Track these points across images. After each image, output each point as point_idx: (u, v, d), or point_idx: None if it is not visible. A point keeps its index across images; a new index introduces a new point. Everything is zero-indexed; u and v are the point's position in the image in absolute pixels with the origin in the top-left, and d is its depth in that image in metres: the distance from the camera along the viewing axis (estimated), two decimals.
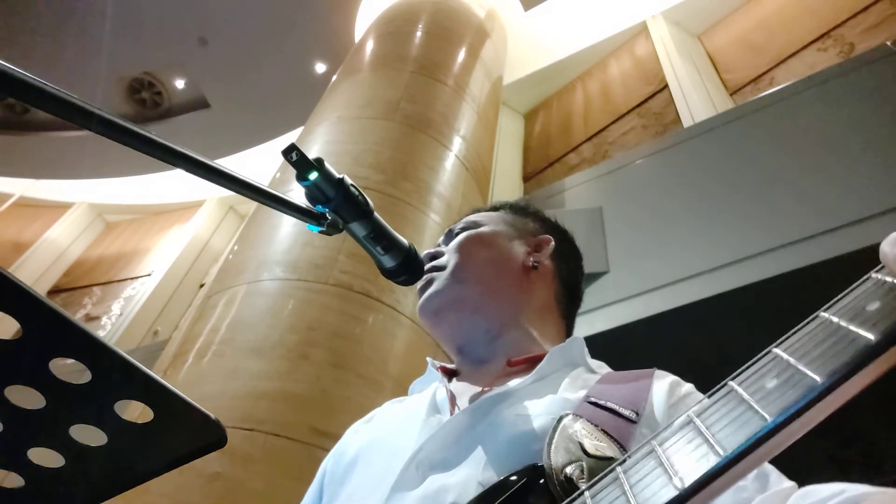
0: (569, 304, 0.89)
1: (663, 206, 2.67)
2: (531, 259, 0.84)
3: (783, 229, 2.16)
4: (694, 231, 2.44)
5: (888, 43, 2.60)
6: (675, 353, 2.23)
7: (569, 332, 0.88)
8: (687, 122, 3.63)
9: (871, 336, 0.29)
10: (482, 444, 0.59)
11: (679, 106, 3.84)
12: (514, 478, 0.50)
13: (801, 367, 0.30)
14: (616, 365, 0.74)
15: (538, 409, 0.61)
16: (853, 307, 0.31)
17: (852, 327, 0.30)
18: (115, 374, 0.42)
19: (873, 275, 0.33)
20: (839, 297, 0.33)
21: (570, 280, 0.90)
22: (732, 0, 4.49)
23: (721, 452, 0.29)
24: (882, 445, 2.50)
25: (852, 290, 0.33)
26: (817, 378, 0.29)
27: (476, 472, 0.56)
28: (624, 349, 2.28)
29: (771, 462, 0.32)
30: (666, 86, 4.11)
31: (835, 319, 0.31)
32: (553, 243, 0.88)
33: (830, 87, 2.60)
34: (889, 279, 0.32)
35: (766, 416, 0.29)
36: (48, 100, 0.42)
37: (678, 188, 2.73)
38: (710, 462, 0.29)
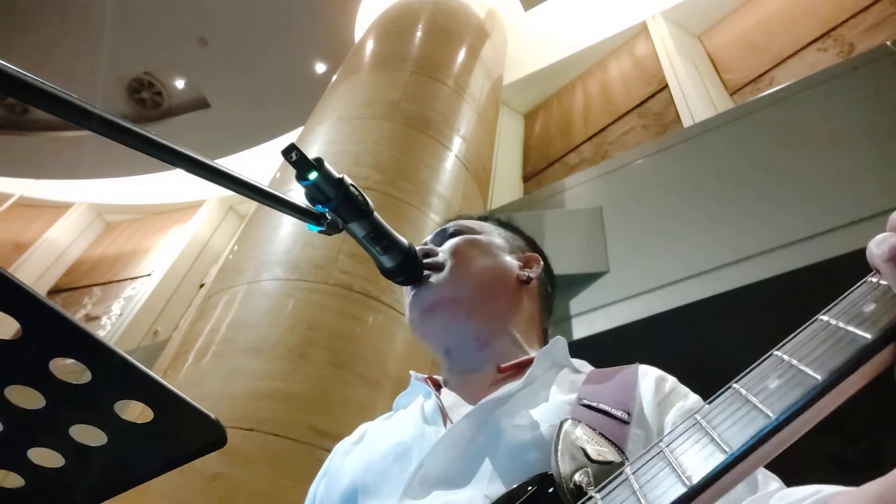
0: (547, 318, 0.93)
1: (663, 206, 2.67)
2: (526, 274, 0.87)
3: (783, 229, 2.16)
4: (694, 231, 2.44)
5: (888, 43, 2.60)
6: (675, 354, 2.22)
7: (546, 341, 0.91)
8: (687, 122, 3.62)
9: (867, 335, 0.31)
10: (484, 457, 0.60)
11: (679, 106, 3.83)
12: (524, 487, 0.50)
13: (802, 367, 0.31)
14: (616, 365, 0.74)
15: (535, 418, 0.62)
16: (850, 309, 0.33)
17: (850, 328, 0.32)
18: (115, 374, 0.42)
19: (869, 278, 0.35)
20: (837, 300, 0.35)
21: (549, 297, 0.94)
22: (732, 0, 4.48)
23: (727, 450, 0.30)
24: (883, 445, 2.50)
25: (849, 293, 0.35)
26: (818, 376, 0.30)
27: (481, 488, 0.57)
28: (624, 349, 2.28)
29: (770, 462, 0.32)
30: (666, 86, 4.11)
31: (833, 321, 0.33)
32: (542, 262, 0.92)
33: (830, 87, 2.60)
34: (884, 282, 0.33)
35: (770, 414, 0.30)
36: (48, 100, 0.42)
37: (678, 188, 2.72)
38: (716, 460, 0.30)
